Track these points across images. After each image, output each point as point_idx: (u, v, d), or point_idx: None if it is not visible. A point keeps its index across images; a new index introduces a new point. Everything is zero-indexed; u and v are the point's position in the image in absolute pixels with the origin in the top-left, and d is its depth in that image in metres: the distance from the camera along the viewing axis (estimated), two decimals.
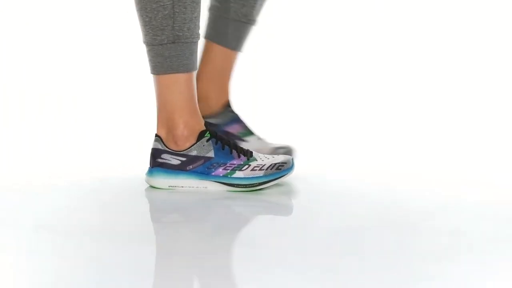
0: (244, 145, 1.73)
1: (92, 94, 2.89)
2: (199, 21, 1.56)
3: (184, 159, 1.57)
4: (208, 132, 1.58)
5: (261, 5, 1.77)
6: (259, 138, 1.77)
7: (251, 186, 1.58)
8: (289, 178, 1.74)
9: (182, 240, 1.27)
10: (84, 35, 3.05)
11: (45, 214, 1.41)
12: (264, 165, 1.59)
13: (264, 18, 1.83)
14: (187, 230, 1.34)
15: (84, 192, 1.59)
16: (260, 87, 2.83)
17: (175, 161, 1.57)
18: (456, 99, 2.90)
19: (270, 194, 1.58)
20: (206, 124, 1.60)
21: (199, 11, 1.55)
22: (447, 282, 1.07)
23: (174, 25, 1.52)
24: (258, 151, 1.70)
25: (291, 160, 1.62)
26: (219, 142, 1.58)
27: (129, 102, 2.78)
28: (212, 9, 1.77)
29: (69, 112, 2.76)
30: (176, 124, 1.57)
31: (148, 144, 1.62)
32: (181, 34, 1.52)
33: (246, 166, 1.58)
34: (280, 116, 2.61)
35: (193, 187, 1.58)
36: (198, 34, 1.56)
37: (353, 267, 1.12)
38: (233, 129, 1.75)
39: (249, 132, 1.77)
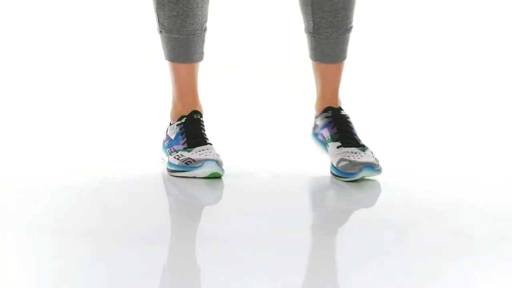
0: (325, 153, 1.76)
1: (91, 94, 2.89)
2: (183, 20, 1.65)
3: (166, 134, 1.73)
4: (185, 118, 1.69)
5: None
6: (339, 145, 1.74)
7: (170, 172, 1.65)
8: (289, 177, 1.74)
9: (182, 240, 1.26)
10: (85, 35, 3.05)
11: (45, 215, 1.41)
12: (182, 156, 1.64)
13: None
14: (187, 230, 1.34)
15: (84, 192, 1.59)
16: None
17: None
18: (456, 99, 2.89)
19: (268, 193, 1.58)
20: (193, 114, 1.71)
21: (185, 12, 1.64)
22: (447, 282, 1.07)
23: (159, 18, 1.68)
24: (333, 157, 1.71)
25: (205, 161, 1.62)
26: (183, 128, 1.69)
27: (129, 103, 2.78)
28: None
29: (68, 112, 2.76)
30: (175, 104, 1.73)
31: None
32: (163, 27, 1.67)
33: (175, 153, 1.66)
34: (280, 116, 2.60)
35: (162, 159, 1.72)
36: (181, 31, 1.66)
37: (353, 267, 1.12)
38: (324, 132, 1.75)
39: (333, 139, 1.73)
